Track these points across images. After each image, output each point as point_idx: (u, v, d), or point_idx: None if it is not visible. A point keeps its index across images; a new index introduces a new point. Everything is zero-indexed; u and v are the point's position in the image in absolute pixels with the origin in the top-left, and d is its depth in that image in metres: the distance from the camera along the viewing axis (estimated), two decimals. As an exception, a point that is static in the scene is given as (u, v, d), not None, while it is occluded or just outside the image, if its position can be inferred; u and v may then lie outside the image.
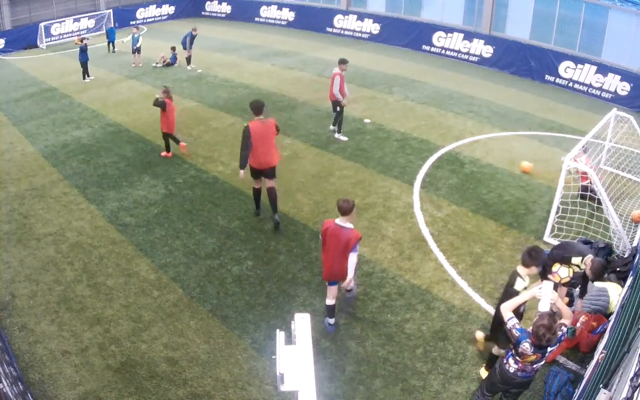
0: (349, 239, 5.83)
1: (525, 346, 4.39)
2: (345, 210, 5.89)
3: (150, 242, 8.22)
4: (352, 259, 5.88)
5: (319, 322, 6.47)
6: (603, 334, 5.79)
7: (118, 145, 12.02)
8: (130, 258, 7.83)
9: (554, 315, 4.60)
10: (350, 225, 5.92)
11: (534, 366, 4.57)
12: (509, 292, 5.15)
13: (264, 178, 8.35)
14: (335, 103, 11.84)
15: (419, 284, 7.27)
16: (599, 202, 8.27)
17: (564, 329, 4.50)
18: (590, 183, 8.11)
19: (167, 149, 11.31)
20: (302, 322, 3.16)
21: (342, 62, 11.64)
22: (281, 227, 8.60)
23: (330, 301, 6.28)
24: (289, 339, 3.11)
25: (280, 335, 3.07)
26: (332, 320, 6.41)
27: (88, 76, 17.71)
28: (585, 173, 8.38)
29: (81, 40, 18.48)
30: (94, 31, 26.38)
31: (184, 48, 18.91)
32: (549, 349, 4.45)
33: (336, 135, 12.27)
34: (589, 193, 8.70)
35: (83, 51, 17.43)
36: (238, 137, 12.19)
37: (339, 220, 5.94)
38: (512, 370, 4.64)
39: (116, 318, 6.58)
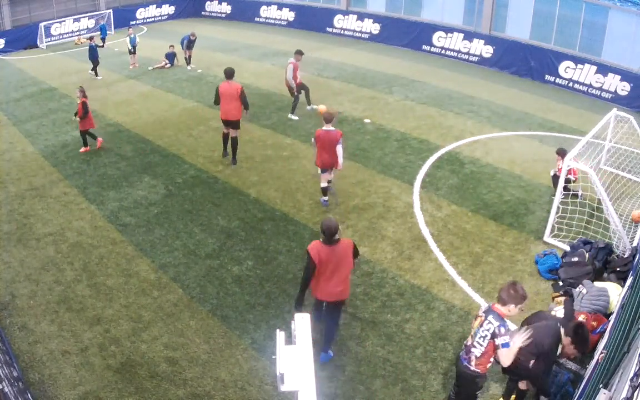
0: (335, 137, 8.56)
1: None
2: (328, 119, 8.67)
3: (150, 242, 8.22)
4: (339, 150, 8.61)
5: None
6: (603, 334, 5.78)
7: (118, 145, 12.02)
8: (130, 258, 7.83)
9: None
10: (333, 128, 8.65)
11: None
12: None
13: (230, 128, 10.67)
14: (291, 89, 13.44)
15: (419, 284, 7.27)
16: (575, 196, 8.72)
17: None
18: (571, 175, 8.91)
19: (85, 144, 11.65)
20: (302, 322, 3.16)
21: (298, 52, 13.50)
22: (281, 227, 8.61)
23: (323, 183, 9.10)
24: (289, 339, 3.11)
25: (280, 335, 3.07)
26: (325, 198, 9.18)
27: (97, 75, 17.87)
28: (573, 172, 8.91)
29: (90, 38, 18.56)
30: (94, 31, 26.37)
31: (183, 48, 18.92)
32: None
33: (289, 115, 13.67)
34: (571, 185, 8.97)
35: (93, 49, 17.52)
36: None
37: (325, 127, 8.65)
38: None
39: (116, 318, 6.58)
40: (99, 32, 23.57)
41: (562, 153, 9.40)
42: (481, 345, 4.48)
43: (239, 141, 11.02)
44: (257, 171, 10.63)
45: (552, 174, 9.68)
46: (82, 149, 11.62)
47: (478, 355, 4.52)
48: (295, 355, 2.98)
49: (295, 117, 13.63)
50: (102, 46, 22.35)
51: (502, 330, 4.35)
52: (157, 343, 6.19)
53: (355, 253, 5.57)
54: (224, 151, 11.22)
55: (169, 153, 11.52)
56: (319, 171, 9.03)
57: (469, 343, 4.63)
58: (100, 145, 11.75)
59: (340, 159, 8.69)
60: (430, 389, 5.62)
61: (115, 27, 26.53)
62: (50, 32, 24.88)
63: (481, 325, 4.49)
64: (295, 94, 13.54)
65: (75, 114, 11.55)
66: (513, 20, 19.94)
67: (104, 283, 7.25)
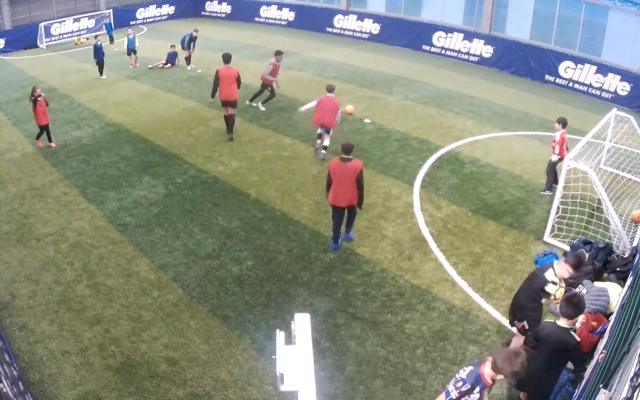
0: (336, 104, 10.68)
1: None
2: (330, 89, 10.89)
3: (150, 242, 8.22)
4: (338, 114, 10.83)
5: (319, 322, 6.47)
6: (603, 334, 5.78)
7: (118, 145, 12.02)
8: (130, 258, 7.83)
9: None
10: (334, 96, 10.76)
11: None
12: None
13: (229, 108, 11.84)
14: (264, 86, 14.00)
15: (419, 284, 7.27)
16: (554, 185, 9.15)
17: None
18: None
19: (39, 138, 12.04)
20: (302, 322, 3.15)
21: (279, 53, 13.93)
22: (281, 227, 8.61)
23: (327, 142, 11.02)
24: (289, 339, 3.11)
25: (280, 335, 3.07)
26: (324, 151, 11.00)
27: (102, 74, 17.90)
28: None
29: (95, 37, 18.59)
30: (94, 31, 26.35)
31: (183, 48, 18.89)
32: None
33: (251, 103, 14.33)
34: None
35: (99, 49, 17.58)
36: (238, 137, 12.32)
37: (328, 94, 10.77)
38: None
39: (116, 318, 6.58)
40: (105, 31, 23.51)
41: (562, 122, 9.44)
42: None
43: (236, 119, 12.41)
44: (257, 171, 10.63)
45: (554, 159, 9.64)
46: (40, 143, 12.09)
47: None
48: (295, 355, 2.98)
49: (262, 108, 14.14)
50: (112, 44, 22.47)
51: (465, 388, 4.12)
52: (157, 343, 6.19)
53: (359, 177, 7.42)
54: (228, 130, 12.28)
55: (169, 153, 11.52)
56: (318, 130, 11.14)
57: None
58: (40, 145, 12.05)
59: (337, 120, 10.94)
60: (430, 389, 5.62)
61: (115, 27, 26.49)
62: (50, 32, 24.85)
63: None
64: (268, 90, 14.05)
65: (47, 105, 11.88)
66: (513, 20, 19.93)
67: (104, 283, 7.25)
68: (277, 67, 13.76)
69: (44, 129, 11.86)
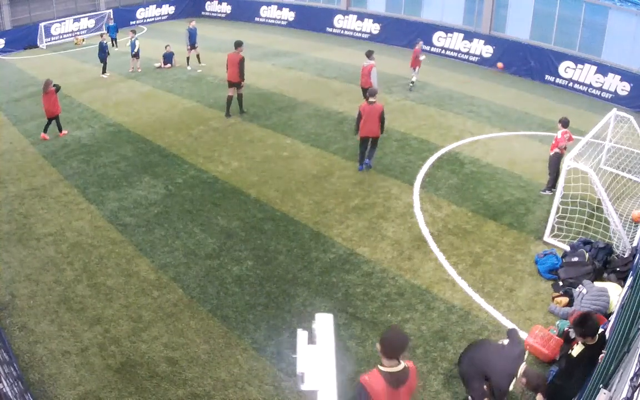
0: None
1: None
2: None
3: (150, 242, 8.22)
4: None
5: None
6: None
7: (118, 145, 12.02)
8: (130, 258, 7.83)
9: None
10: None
11: None
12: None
13: (234, 88, 13.46)
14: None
15: (419, 284, 7.27)
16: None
17: None
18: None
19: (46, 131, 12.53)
20: (324, 322, 3.09)
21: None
22: (281, 227, 8.62)
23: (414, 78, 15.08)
24: (310, 339, 3.06)
25: (302, 334, 3.03)
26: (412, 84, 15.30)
27: (104, 72, 17.96)
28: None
29: (101, 35, 18.59)
30: (94, 31, 26.37)
31: (193, 47, 18.91)
32: None
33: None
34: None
35: (103, 48, 17.60)
36: (238, 137, 12.33)
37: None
38: None
39: (116, 318, 6.58)
40: (107, 32, 23.31)
41: (563, 122, 9.48)
42: None
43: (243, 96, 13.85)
44: (257, 171, 10.63)
45: (552, 153, 9.69)
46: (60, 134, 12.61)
47: None
48: (316, 354, 2.92)
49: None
50: (115, 46, 22.43)
51: None
52: (157, 343, 6.19)
53: (382, 114, 10.13)
54: (227, 111, 13.64)
55: (169, 153, 11.52)
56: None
57: None
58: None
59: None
60: (430, 389, 5.62)
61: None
62: (50, 32, 24.86)
63: None
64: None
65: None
66: (513, 20, 19.94)
67: (104, 283, 7.25)
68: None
69: (54, 119, 12.37)
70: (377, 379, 3.84)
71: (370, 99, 10.07)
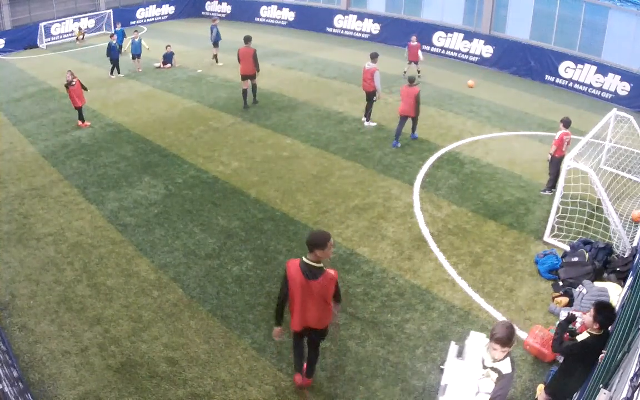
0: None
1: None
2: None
3: (150, 242, 8.22)
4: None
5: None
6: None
7: (118, 145, 12.02)
8: (130, 258, 7.83)
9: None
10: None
11: None
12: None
13: (249, 80, 14.05)
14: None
15: (419, 284, 7.27)
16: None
17: None
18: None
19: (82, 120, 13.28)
20: (476, 340, 3.06)
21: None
22: (281, 227, 8.61)
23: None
24: (460, 353, 3.02)
25: (453, 347, 3.00)
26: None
27: (112, 73, 17.94)
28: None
29: (111, 36, 18.57)
30: (94, 31, 26.39)
31: (215, 45, 19.46)
32: None
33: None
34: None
35: (113, 49, 17.60)
36: (238, 137, 12.33)
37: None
38: None
39: (116, 318, 6.58)
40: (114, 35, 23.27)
41: (564, 122, 9.47)
42: None
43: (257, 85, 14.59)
44: (257, 171, 10.63)
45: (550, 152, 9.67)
46: (84, 124, 13.26)
47: None
48: (462, 370, 2.89)
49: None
50: (120, 53, 22.45)
51: None
52: (157, 343, 6.19)
53: (417, 97, 11.55)
54: (245, 103, 14.37)
55: (169, 153, 11.52)
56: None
57: None
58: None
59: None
60: (430, 389, 5.62)
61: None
62: (50, 32, 24.87)
63: None
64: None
65: (85, 89, 13.24)
66: (513, 20, 19.94)
67: (104, 283, 7.24)
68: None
69: (79, 110, 13.10)
70: (296, 265, 4.81)
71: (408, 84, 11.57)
